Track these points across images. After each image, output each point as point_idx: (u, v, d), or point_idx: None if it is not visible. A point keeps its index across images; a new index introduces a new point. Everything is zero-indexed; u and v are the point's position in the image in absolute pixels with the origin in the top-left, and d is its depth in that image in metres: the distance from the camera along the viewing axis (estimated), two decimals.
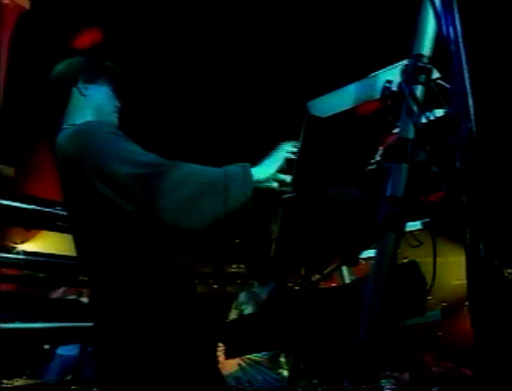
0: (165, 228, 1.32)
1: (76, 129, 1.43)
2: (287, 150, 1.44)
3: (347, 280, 1.71)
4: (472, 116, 0.93)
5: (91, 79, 1.56)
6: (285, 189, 1.45)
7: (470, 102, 0.94)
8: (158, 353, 1.28)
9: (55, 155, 1.46)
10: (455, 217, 0.96)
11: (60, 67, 1.59)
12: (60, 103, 1.55)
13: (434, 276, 1.24)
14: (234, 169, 1.36)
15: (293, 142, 1.46)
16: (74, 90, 1.55)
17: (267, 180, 1.41)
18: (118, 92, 1.61)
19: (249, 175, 1.35)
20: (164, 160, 1.31)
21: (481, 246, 0.88)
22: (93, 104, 1.54)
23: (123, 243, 1.34)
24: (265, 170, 1.41)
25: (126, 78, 1.64)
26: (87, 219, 1.39)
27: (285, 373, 3.80)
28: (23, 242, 5.16)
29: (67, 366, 3.61)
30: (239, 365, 3.75)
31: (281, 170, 1.43)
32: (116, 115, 1.59)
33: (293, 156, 1.43)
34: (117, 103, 1.60)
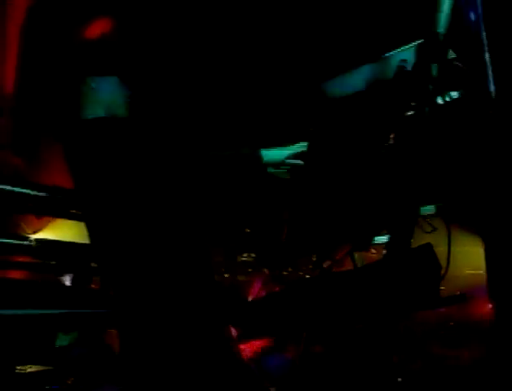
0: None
1: (86, 127, 1.42)
2: (301, 148, 1.46)
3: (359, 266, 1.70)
4: (492, 101, 0.91)
5: (98, 71, 1.54)
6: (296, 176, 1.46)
7: (492, 87, 0.91)
8: (173, 342, 1.28)
9: (66, 154, 1.46)
10: (471, 203, 0.94)
11: (66, 62, 1.57)
12: (69, 100, 1.54)
13: (448, 263, 1.22)
14: None
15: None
16: (82, 84, 1.52)
17: (277, 166, 1.44)
18: (128, 80, 1.60)
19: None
20: None
21: (501, 234, 0.87)
22: (102, 97, 1.53)
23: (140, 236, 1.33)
24: (275, 156, 1.44)
25: (136, 65, 1.62)
26: (101, 213, 1.40)
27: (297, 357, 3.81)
28: (35, 232, 5.20)
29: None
30: (254, 351, 3.77)
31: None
32: (127, 105, 1.56)
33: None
34: (128, 92, 1.57)
